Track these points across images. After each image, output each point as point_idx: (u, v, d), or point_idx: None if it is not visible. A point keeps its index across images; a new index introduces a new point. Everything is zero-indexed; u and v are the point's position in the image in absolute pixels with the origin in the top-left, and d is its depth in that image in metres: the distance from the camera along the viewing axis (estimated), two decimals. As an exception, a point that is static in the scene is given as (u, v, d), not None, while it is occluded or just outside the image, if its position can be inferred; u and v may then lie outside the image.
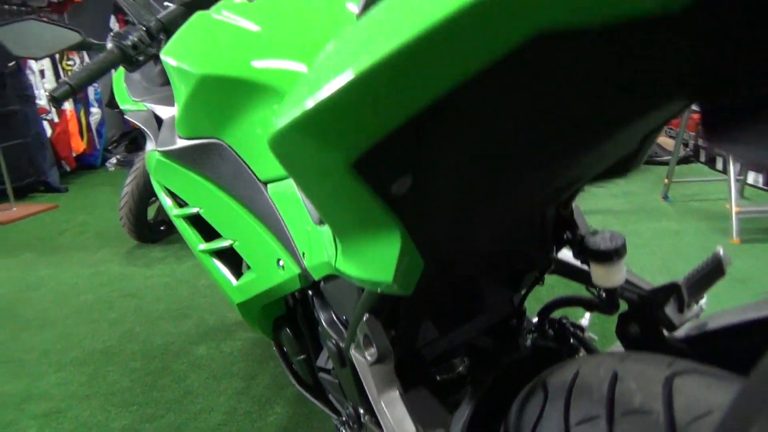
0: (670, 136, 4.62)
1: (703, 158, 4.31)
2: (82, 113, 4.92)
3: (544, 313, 0.83)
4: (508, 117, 0.37)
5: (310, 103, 0.38)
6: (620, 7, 0.29)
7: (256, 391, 1.61)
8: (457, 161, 0.39)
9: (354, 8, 0.96)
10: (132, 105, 1.34)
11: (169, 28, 1.20)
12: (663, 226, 2.95)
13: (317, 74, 0.39)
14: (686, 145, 4.48)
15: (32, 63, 4.41)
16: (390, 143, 0.37)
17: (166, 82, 1.32)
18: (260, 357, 1.80)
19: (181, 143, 1.04)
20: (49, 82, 4.50)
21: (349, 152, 0.39)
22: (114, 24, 5.16)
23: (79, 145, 4.84)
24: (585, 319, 0.87)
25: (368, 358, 0.64)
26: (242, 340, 1.91)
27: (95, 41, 1.50)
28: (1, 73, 4.00)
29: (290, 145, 0.43)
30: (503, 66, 0.32)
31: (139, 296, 2.35)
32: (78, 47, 1.47)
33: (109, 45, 1.12)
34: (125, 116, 1.38)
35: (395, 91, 0.34)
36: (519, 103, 0.36)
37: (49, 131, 4.58)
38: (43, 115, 4.52)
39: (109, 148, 5.37)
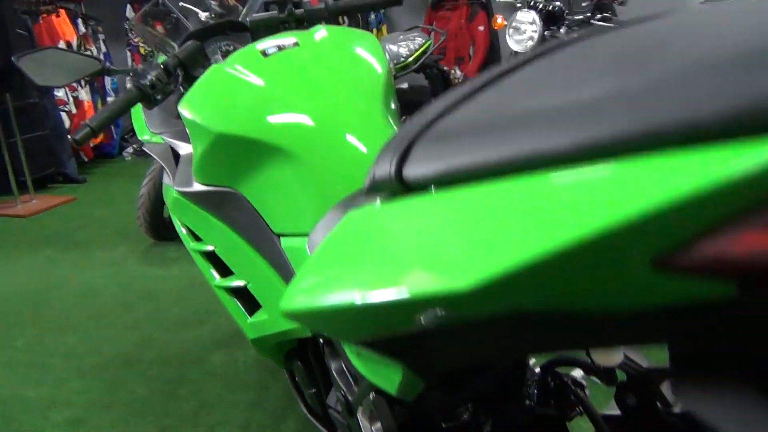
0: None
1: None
2: (99, 103, 4.97)
3: (547, 368, 0.86)
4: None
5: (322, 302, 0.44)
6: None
7: (269, 403, 1.67)
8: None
9: (370, 60, 1.00)
10: (150, 136, 1.38)
11: (186, 62, 1.23)
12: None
13: (333, 281, 0.45)
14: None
15: (50, 54, 4.46)
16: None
17: None
18: (272, 367, 1.86)
19: (198, 187, 1.08)
20: (67, 73, 4.56)
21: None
22: (130, 12, 5.18)
23: (95, 139, 4.91)
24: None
25: (373, 430, 0.68)
26: (254, 349, 1.97)
27: (115, 68, 1.54)
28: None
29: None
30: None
31: (157, 299, 2.42)
32: (98, 74, 1.52)
33: (129, 85, 1.16)
34: (143, 147, 1.43)
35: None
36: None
37: (67, 122, 4.65)
38: (61, 107, 4.58)
39: (126, 137, 5.43)
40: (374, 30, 5.01)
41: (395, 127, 0.95)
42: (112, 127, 5.16)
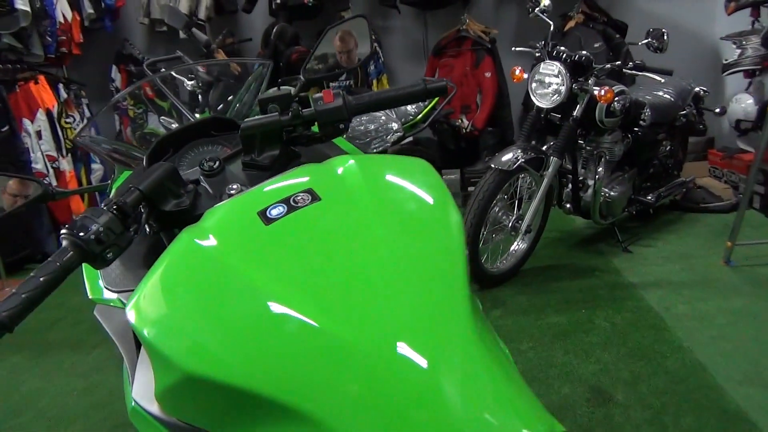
0: (720, 179, 4.21)
1: (757, 204, 3.91)
2: (82, 172, 4.63)
3: None
4: None
5: None
6: None
7: None
8: None
9: (435, 224, 0.63)
10: (101, 300, 0.98)
11: (151, 196, 0.86)
12: (735, 306, 2.56)
13: None
14: (736, 187, 4.08)
15: (28, 124, 4.14)
16: None
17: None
18: None
19: (162, 415, 0.69)
20: (47, 143, 4.22)
21: None
22: (116, 74, 4.89)
23: (79, 207, 4.55)
24: None
25: None
26: None
27: (61, 189, 1.21)
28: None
29: None
30: None
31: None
32: (41, 200, 1.20)
33: (64, 242, 0.78)
34: (94, 311, 1.02)
35: None
36: None
37: (47, 195, 4.29)
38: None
39: (113, 203, 5.07)
40: (374, 81, 4.71)
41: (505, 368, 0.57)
42: (97, 195, 4.80)
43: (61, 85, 4.45)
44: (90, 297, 0.97)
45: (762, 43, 3.73)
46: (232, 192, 0.89)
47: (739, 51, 3.95)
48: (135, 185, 0.85)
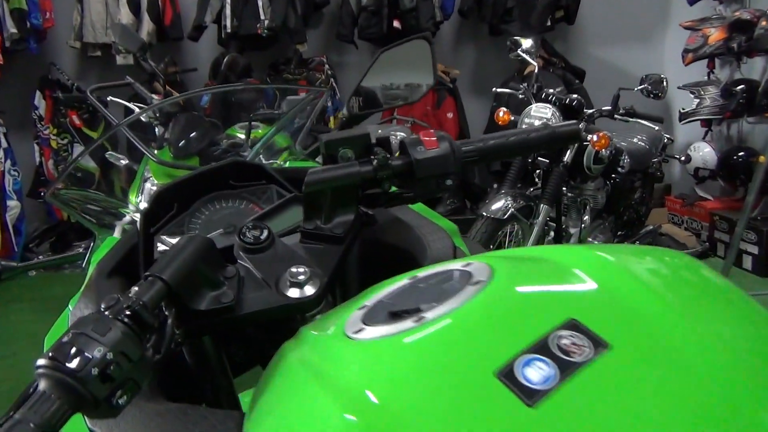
0: (681, 225, 4.23)
1: (722, 252, 3.94)
2: (-4, 212, 4.05)
3: None
4: None
5: None
6: None
7: None
8: None
9: None
10: None
11: (181, 292, 0.55)
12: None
13: None
14: (698, 235, 4.10)
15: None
16: None
17: None
18: None
19: None
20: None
21: None
22: (39, 101, 4.37)
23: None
24: None
25: None
26: None
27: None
28: None
29: None
30: None
31: None
32: None
33: (42, 383, 0.45)
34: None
35: None
36: None
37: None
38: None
39: (32, 246, 4.48)
40: (331, 118, 4.46)
41: None
42: (13, 236, 4.21)
43: (-26, 112, 3.90)
44: None
45: (721, 94, 3.80)
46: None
47: (697, 101, 4.01)
48: (155, 273, 0.54)
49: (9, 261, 4.21)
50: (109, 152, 1.77)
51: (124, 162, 2.25)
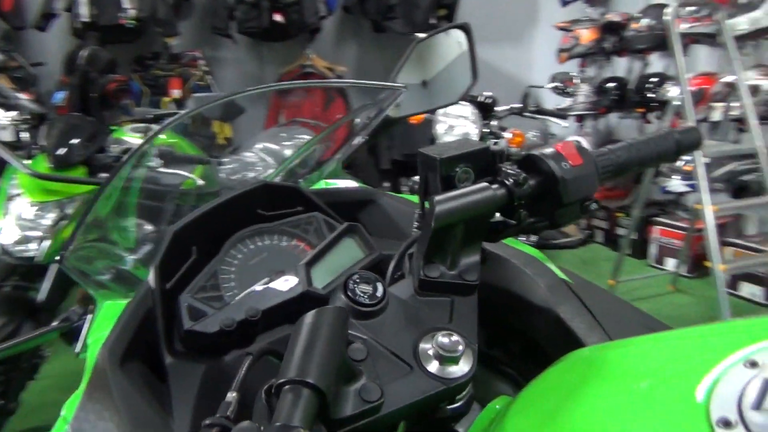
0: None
1: (601, 239, 4.22)
2: None
3: None
4: None
5: None
6: None
7: None
8: None
9: None
10: None
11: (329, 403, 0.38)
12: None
13: None
14: (578, 225, 4.36)
15: None
16: None
17: None
18: None
19: None
20: None
21: None
22: None
23: None
24: None
25: None
26: None
27: None
28: None
29: None
30: None
31: None
32: None
33: None
34: None
35: None
36: None
37: None
38: None
39: None
40: (213, 121, 4.09)
41: None
42: None
43: None
44: None
45: (596, 91, 4.06)
46: None
47: (571, 99, 4.26)
48: (297, 377, 0.37)
49: None
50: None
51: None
